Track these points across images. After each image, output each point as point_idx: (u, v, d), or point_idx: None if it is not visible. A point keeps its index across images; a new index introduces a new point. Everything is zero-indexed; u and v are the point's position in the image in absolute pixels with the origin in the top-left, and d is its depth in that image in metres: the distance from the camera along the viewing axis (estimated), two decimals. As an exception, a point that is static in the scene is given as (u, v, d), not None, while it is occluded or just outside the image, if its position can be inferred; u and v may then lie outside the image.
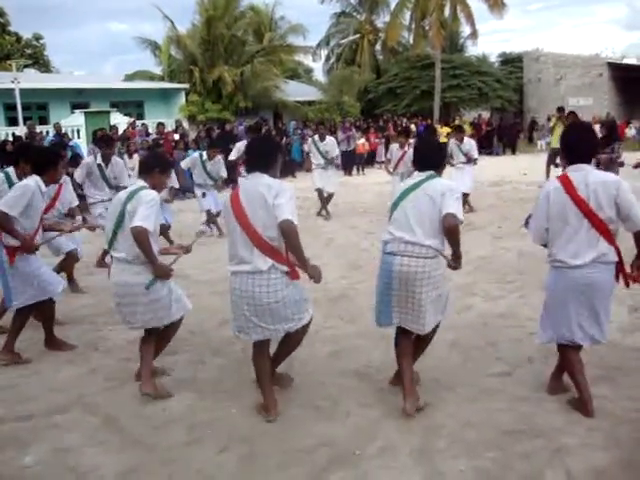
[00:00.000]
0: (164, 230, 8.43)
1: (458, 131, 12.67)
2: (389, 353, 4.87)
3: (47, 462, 3.54)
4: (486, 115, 33.08)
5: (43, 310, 5.11)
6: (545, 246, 3.96)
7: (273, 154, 3.93)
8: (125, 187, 7.80)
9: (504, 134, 27.45)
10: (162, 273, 4.11)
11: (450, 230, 3.75)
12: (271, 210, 3.64)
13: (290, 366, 4.71)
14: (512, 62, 38.83)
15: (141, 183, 4.21)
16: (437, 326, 4.07)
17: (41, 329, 5.21)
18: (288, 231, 3.61)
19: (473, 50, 40.99)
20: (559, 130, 13.51)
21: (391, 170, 11.65)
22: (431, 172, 3.96)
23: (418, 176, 3.98)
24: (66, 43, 79.07)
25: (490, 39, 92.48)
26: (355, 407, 4.03)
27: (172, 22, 28.73)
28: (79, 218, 6.71)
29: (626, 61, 36.47)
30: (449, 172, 12.34)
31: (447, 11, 31.51)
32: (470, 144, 12.16)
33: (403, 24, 34.03)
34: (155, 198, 4.09)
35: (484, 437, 3.62)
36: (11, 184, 5.36)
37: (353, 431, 3.74)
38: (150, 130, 19.87)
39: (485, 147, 24.50)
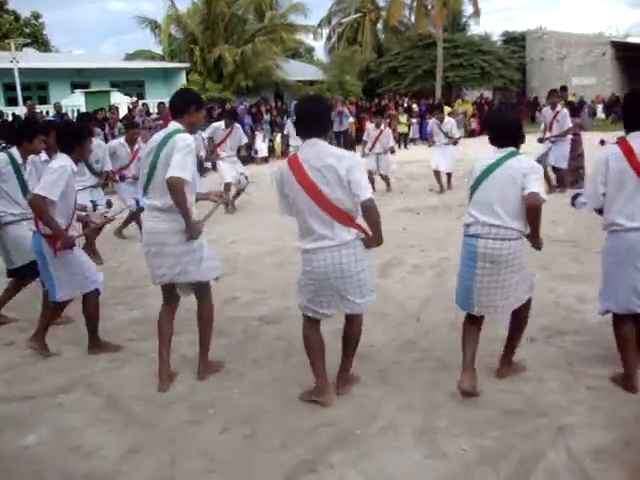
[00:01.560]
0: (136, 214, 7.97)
1: (438, 110, 12.73)
2: (390, 333, 4.88)
3: (49, 442, 3.56)
4: (488, 95, 32.88)
5: (89, 306, 4.71)
6: (600, 212, 3.97)
7: (327, 115, 3.81)
8: (108, 172, 7.79)
9: (506, 113, 27.29)
10: (194, 232, 3.94)
11: (533, 210, 3.69)
12: (345, 184, 3.49)
13: (291, 345, 4.72)
14: (515, 41, 38.51)
15: (176, 126, 3.97)
16: (530, 303, 4.02)
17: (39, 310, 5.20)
18: (371, 209, 3.53)
19: (475, 29, 40.82)
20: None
21: (367, 152, 11.68)
22: (512, 149, 3.82)
23: (497, 153, 3.83)
24: (65, 22, 78.44)
25: (492, 18, 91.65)
26: (356, 387, 4.03)
27: (172, 1, 28.48)
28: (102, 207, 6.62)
29: (630, 40, 36.11)
30: (430, 151, 12.42)
31: (449, -11, 31.18)
32: (451, 123, 12.26)
33: (405, 3, 33.75)
34: (191, 144, 3.86)
35: (486, 417, 3.62)
36: (16, 166, 5.18)
37: (354, 411, 3.74)
38: (151, 110, 19.76)
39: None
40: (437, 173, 11.99)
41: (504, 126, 3.92)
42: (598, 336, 4.67)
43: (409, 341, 4.73)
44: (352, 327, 3.91)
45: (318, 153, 3.54)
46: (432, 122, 12.46)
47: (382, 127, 11.90)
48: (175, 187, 3.74)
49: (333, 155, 3.54)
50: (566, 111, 11.00)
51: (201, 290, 4.22)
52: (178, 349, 4.71)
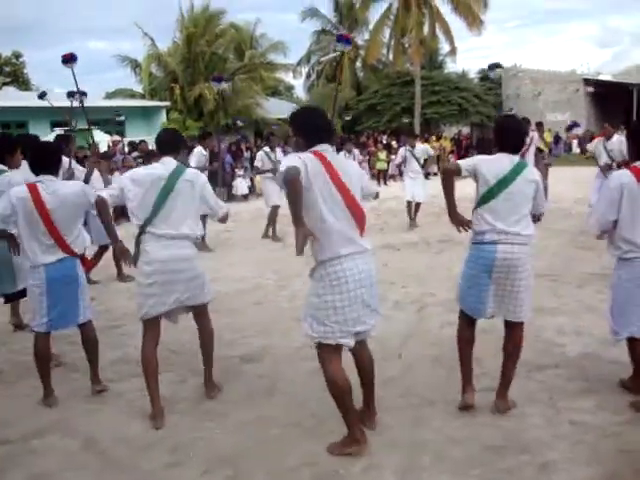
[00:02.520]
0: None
1: (411, 137, 12.49)
2: (373, 370, 4.85)
3: (24, 488, 3.46)
4: (466, 131, 33.39)
5: (93, 333, 4.67)
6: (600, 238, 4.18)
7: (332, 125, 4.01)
8: None
9: (486, 148, 27.71)
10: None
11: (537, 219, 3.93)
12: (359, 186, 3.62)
13: (272, 384, 4.67)
14: (491, 78, 39.26)
15: (175, 162, 4.20)
16: (522, 332, 4.07)
17: (22, 350, 5.12)
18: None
19: (452, 67, 41.55)
20: (539, 144, 13.64)
21: None
22: (517, 157, 3.92)
23: (509, 159, 3.86)
24: (46, 61, 78.80)
25: (469, 55, 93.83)
26: (339, 425, 3.97)
27: (152, 40, 28.80)
28: None
29: (601, 77, 37.07)
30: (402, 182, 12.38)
31: (426, 29, 31.82)
32: (421, 149, 12.12)
33: (383, 41, 34.31)
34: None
35: (469, 453, 3.60)
36: None
37: (337, 450, 3.69)
38: (126, 149, 19.70)
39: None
40: (410, 205, 11.96)
41: (520, 133, 4.03)
42: (578, 369, 4.70)
43: (391, 378, 4.71)
44: (366, 353, 3.87)
45: (341, 156, 3.77)
46: (403, 150, 12.17)
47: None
48: (226, 219, 4.41)
49: (350, 164, 3.91)
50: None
51: (203, 312, 4.45)
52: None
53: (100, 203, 4.14)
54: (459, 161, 4.07)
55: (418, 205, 12.04)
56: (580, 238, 9.88)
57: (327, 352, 3.52)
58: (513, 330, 4.04)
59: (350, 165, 3.79)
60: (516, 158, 3.89)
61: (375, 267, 3.63)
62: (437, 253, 9.53)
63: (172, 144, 4.32)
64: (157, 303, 4.11)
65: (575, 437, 3.74)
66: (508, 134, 3.96)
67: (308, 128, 3.56)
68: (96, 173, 8.30)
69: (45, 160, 4.44)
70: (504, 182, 3.81)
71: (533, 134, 11.41)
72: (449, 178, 3.98)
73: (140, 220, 4.07)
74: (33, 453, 3.83)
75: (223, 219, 4.40)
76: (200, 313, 4.44)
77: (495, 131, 4.05)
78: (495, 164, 3.88)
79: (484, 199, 3.87)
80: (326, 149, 3.50)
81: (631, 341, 4.13)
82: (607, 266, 4.01)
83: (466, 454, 3.59)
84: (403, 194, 12.27)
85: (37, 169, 4.42)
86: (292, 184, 3.20)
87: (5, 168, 5.37)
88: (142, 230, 4.08)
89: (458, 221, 4.01)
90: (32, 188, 4.31)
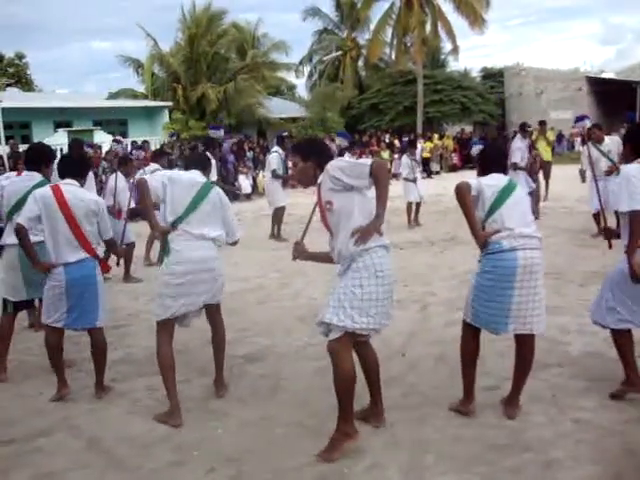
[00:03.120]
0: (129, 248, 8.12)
1: (412, 146, 13.10)
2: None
3: (29, 487, 3.48)
4: (469, 129, 33.35)
5: (103, 340, 4.73)
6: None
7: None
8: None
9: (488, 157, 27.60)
10: None
11: None
12: None
13: (276, 383, 4.69)
14: (493, 77, 39.23)
15: (202, 177, 4.44)
16: (534, 341, 4.05)
17: (26, 350, 5.14)
18: None
19: (455, 65, 41.29)
20: (542, 143, 13.65)
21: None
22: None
23: (501, 177, 4.07)
24: (49, 62, 78.93)
25: (471, 54, 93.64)
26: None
27: (155, 40, 28.81)
28: None
29: (604, 75, 36.98)
30: (400, 185, 12.57)
31: (428, 27, 31.81)
32: (419, 151, 12.79)
33: (385, 41, 34.29)
34: None
35: (472, 452, 3.60)
36: None
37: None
38: (129, 148, 19.74)
39: (469, 161, 24.66)
40: (411, 206, 12.13)
41: (503, 155, 4.57)
42: (581, 368, 4.71)
43: (394, 377, 4.71)
44: (371, 352, 3.95)
45: None
46: (406, 158, 12.46)
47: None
48: (237, 243, 4.59)
49: None
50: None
51: (218, 310, 4.61)
52: (162, 389, 4.66)
53: (140, 184, 4.29)
54: (469, 181, 4.00)
55: (419, 205, 12.23)
56: (582, 236, 9.88)
57: (346, 342, 3.56)
58: (527, 343, 3.98)
59: None
60: (504, 175, 4.10)
61: None
62: (440, 252, 9.54)
63: (199, 162, 4.66)
64: (188, 302, 4.25)
65: (578, 435, 3.74)
66: (496, 158, 4.26)
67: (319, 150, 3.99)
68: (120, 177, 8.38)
69: (72, 166, 4.71)
70: (507, 190, 3.92)
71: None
72: (464, 195, 3.90)
73: (173, 217, 4.21)
74: (38, 452, 3.85)
75: (235, 243, 4.59)
76: (216, 312, 4.58)
77: (482, 159, 4.31)
78: (493, 179, 4.01)
79: (492, 209, 3.89)
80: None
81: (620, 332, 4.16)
82: (610, 264, 4.00)
83: (469, 453, 3.60)
84: (404, 195, 12.36)
85: (64, 173, 4.64)
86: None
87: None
88: (174, 227, 4.20)
89: (483, 238, 3.90)
90: (55, 188, 4.49)
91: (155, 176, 4.46)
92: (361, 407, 4.07)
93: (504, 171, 4.15)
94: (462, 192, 3.91)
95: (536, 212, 11.57)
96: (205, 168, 4.60)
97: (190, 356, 5.35)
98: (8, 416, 4.36)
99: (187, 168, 4.59)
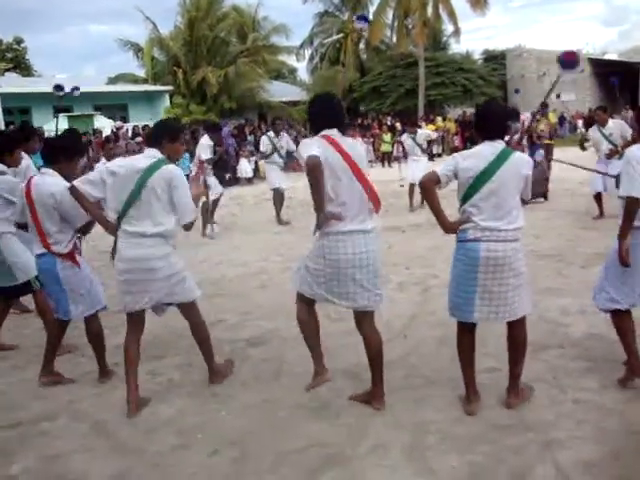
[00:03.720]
0: None
1: (412, 124, 12.99)
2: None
3: (34, 470, 3.51)
4: (471, 112, 33.22)
5: (97, 328, 4.62)
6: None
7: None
8: None
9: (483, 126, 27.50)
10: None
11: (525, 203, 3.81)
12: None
13: (279, 367, 4.71)
14: (495, 59, 39.06)
15: (158, 154, 3.99)
16: (525, 325, 3.89)
17: (31, 335, 5.16)
18: None
19: (456, 48, 41.35)
20: (543, 125, 13.61)
21: None
22: (501, 144, 3.69)
23: (491, 147, 3.65)
24: (47, 46, 78.65)
25: (473, 36, 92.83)
26: (345, 407, 4.02)
27: (154, 24, 28.68)
28: None
29: (607, 57, 36.72)
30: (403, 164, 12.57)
31: (429, 9, 31.57)
32: (424, 134, 12.50)
33: (386, 23, 34.10)
34: (183, 176, 4.04)
35: (474, 432, 3.63)
36: None
37: (343, 431, 3.73)
38: (129, 133, 19.71)
39: (472, 143, 24.59)
40: (413, 187, 11.97)
41: (498, 116, 3.76)
42: (582, 349, 4.72)
43: (396, 359, 4.73)
44: (371, 334, 4.01)
45: (347, 139, 3.88)
46: (405, 137, 12.55)
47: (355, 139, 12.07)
48: (190, 228, 4.09)
49: (356, 145, 3.94)
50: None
51: (189, 309, 4.28)
52: (165, 372, 4.70)
53: (72, 191, 4.07)
54: (437, 169, 3.75)
55: (412, 186, 12.06)
56: (584, 218, 9.86)
57: (299, 298, 4.15)
58: (511, 328, 3.86)
59: (357, 145, 3.94)
60: (499, 145, 3.66)
61: (378, 248, 3.83)
62: (442, 234, 9.50)
63: (157, 135, 4.13)
64: (131, 301, 4.07)
65: (579, 416, 3.76)
66: (488, 120, 3.76)
67: (316, 115, 3.96)
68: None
69: (49, 153, 4.49)
70: (486, 175, 3.59)
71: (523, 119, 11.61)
72: (429, 192, 3.75)
73: (115, 215, 4.01)
74: (43, 435, 3.89)
75: (186, 227, 4.06)
76: (185, 310, 4.29)
77: (476, 119, 3.90)
78: (475, 157, 3.68)
79: (466, 196, 3.68)
80: (333, 133, 3.81)
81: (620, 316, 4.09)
82: (611, 246, 3.99)
83: (471, 433, 3.62)
84: (405, 176, 12.40)
85: (44, 161, 4.53)
86: (314, 171, 3.61)
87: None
88: (118, 226, 4.02)
89: (453, 230, 3.80)
90: (29, 180, 4.46)
91: (94, 172, 4.18)
92: (363, 390, 4.09)
93: (502, 136, 3.73)
94: (425, 188, 3.78)
95: (543, 194, 11.58)
96: (160, 143, 4.03)
97: (192, 339, 5.36)
98: (13, 400, 4.40)
99: (147, 146, 4.17)
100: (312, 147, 3.68)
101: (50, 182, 4.34)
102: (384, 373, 4.00)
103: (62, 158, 4.41)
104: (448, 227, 3.79)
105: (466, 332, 3.91)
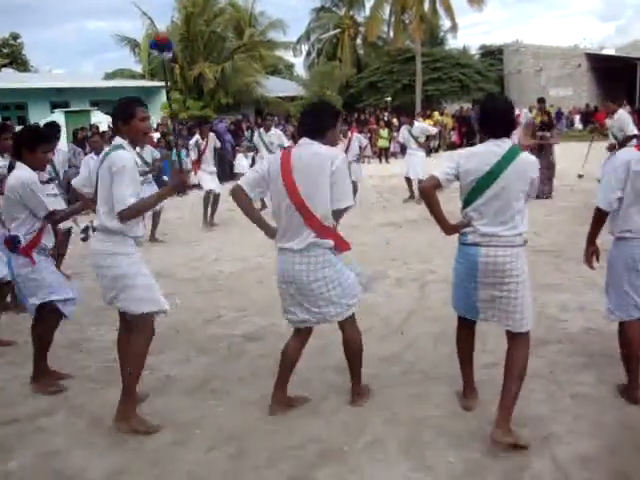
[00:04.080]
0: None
1: (409, 116, 13.04)
2: (374, 347, 4.87)
3: (32, 466, 3.50)
4: (467, 107, 33.22)
5: (44, 325, 4.45)
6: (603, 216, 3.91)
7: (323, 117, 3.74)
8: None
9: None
10: None
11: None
12: (327, 185, 3.53)
13: (275, 362, 4.70)
14: (492, 54, 39.06)
15: (117, 141, 3.71)
16: (528, 343, 3.63)
17: (27, 331, 5.12)
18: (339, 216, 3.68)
19: (453, 43, 41.58)
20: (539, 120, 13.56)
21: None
22: (508, 143, 3.46)
23: (496, 147, 3.42)
24: (44, 42, 78.40)
25: (470, 32, 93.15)
26: (342, 403, 4.02)
27: (151, 19, 28.59)
28: None
29: (604, 52, 36.73)
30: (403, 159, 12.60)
31: (426, 5, 31.53)
32: (420, 127, 12.44)
33: (383, 18, 34.04)
34: (126, 163, 3.56)
35: (471, 428, 3.63)
36: None
37: (340, 426, 3.73)
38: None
39: (470, 139, 24.57)
40: (408, 180, 12.17)
41: (504, 113, 3.51)
42: (580, 344, 4.73)
43: (393, 354, 4.74)
44: (345, 334, 3.91)
45: (306, 155, 3.59)
46: (403, 129, 12.66)
47: (349, 134, 12.09)
48: (127, 219, 3.60)
49: (319, 154, 3.58)
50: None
51: (132, 321, 3.82)
52: (161, 368, 4.69)
53: (73, 189, 4.01)
54: (435, 172, 3.58)
55: (412, 181, 12.20)
56: (583, 214, 9.84)
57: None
58: (512, 341, 3.58)
59: (312, 158, 3.57)
60: (506, 144, 3.43)
61: (311, 268, 3.61)
62: (439, 230, 9.52)
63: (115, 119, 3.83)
64: (103, 295, 3.89)
65: (576, 411, 3.77)
66: (493, 116, 3.50)
67: (300, 125, 3.85)
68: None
69: (14, 148, 4.47)
70: (489, 178, 3.39)
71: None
72: (429, 197, 3.59)
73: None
74: (41, 432, 3.88)
75: (120, 217, 3.57)
76: (129, 325, 3.87)
77: (480, 115, 3.63)
78: (478, 158, 3.47)
79: (468, 201, 3.52)
80: (300, 142, 3.69)
81: (622, 325, 3.93)
82: (608, 243, 4.00)
83: (468, 429, 3.62)
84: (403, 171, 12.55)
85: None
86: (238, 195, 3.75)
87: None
88: None
89: (454, 232, 3.65)
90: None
91: (83, 169, 4.14)
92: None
93: (508, 134, 3.49)
94: (425, 193, 3.63)
95: (547, 192, 11.56)
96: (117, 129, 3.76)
97: (189, 335, 5.37)
98: (10, 397, 4.39)
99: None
100: (263, 162, 3.83)
101: (13, 175, 4.33)
102: (382, 368, 3.99)
103: (24, 150, 4.34)
104: (449, 230, 3.65)
105: (465, 328, 3.86)
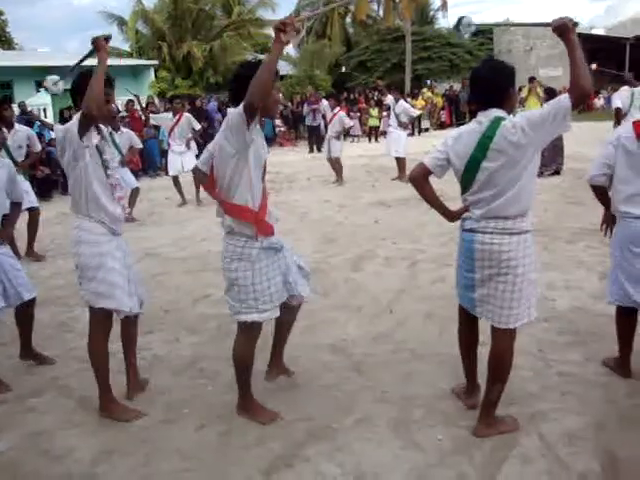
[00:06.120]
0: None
1: (397, 91, 12.98)
2: (364, 326, 4.90)
3: (21, 447, 3.49)
4: (457, 86, 33.12)
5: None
6: (598, 193, 3.96)
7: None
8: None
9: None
10: None
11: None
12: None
13: (264, 341, 4.70)
14: (482, 34, 38.75)
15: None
16: (513, 342, 3.38)
17: (11, 311, 5.10)
18: None
19: (444, 22, 41.00)
20: (533, 100, 13.51)
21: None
22: (493, 113, 3.11)
23: (477, 129, 3.13)
24: (29, 18, 77.19)
25: (460, 11, 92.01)
26: (331, 381, 4.03)
27: (138, -4, 28.18)
28: None
29: (594, 32, 36.63)
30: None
31: (417, -17, 31.26)
32: (403, 106, 12.34)
33: (373, -4, 33.74)
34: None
35: (459, 406, 3.65)
36: None
37: (330, 405, 3.75)
38: (120, 108, 19.41)
39: (458, 118, 24.53)
40: (399, 160, 12.24)
41: (491, 79, 3.15)
42: (568, 323, 4.76)
43: (383, 333, 4.75)
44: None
45: None
46: (389, 99, 12.75)
47: (337, 110, 12.14)
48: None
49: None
50: None
51: (89, 314, 3.79)
52: (150, 348, 4.68)
53: None
54: (425, 159, 3.35)
55: (397, 160, 12.25)
56: (570, 193, 9.90)
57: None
58: (495, 336, 3.34)
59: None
60: (487, 118, 3.10)
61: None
62: (429, 209, 9.48)
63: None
64: None
65: (564, 388, 3.80)
66: (479, 84, 3.23)
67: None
68: None
69: None
70: (474, 162, 3.13)
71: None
72: (420, 186, 3.39)
73: None
74: (30, 412, 3.87)
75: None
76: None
77: (469, 84, 3.36)
78: (464, 140, 3.20)
79: (463, 187, 3.28)
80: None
81: (619, 310, 3.93)
82: (597, 222, 4.01)
83: (456, 407, 3.65)
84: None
85: None
86: None
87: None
88: None
89: (457, 218, 3.39)
90: None
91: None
92: (350, 364, 4.10)
93: (500, 104, 3.12)
94: (415, 182, 3.40)
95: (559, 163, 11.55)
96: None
97: (178, 315, 5.36)
98: (-2, 377, 4.37)
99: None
100: None
101: None
102: (371, 347, 4.00)
103: None
104: (450, 217, 3.42)
105: (465, 322, 3.60)
